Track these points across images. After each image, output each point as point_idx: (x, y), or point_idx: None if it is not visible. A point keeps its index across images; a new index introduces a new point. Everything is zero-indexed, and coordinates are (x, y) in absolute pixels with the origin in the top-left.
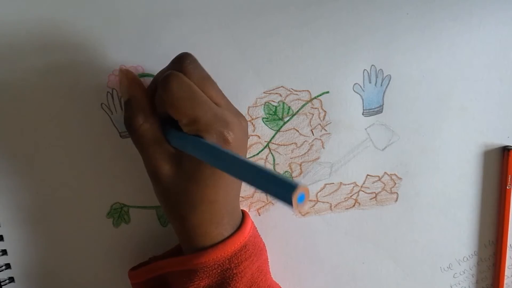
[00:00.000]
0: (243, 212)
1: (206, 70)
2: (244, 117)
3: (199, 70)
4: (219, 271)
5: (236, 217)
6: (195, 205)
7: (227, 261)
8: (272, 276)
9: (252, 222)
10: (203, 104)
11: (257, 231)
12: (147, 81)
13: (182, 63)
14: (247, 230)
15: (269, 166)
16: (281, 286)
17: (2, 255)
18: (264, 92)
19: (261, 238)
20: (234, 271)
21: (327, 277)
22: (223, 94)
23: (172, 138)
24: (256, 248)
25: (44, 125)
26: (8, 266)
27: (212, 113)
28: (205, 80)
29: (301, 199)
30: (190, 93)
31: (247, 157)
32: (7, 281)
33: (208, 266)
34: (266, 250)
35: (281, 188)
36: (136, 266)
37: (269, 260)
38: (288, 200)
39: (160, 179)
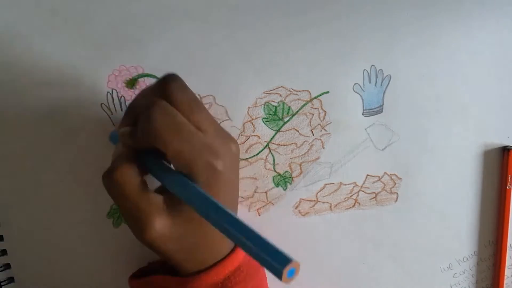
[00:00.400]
0: None
1: (206, 70)
2: (235, 141)
3: (187, 94)
4: None
5: (228, 240)
6: (194, 247)
7: (219, 284)
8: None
9: None
10: (189, 135)
11: None
12: (147, 80)
13: (168, 86)
14: (241, 252)
15: (269, 166)
16: None
17: (2, 255)
18: (264, 92)
19: None
20: None
21: (327, 277)
22: (212, 118)
23: (158, 172)
24: (251, 268)
25: (44, 125)
26: (8, 266)
27: (200, 144)
28: (193, 104)
29: (291, 273)
30: (175, 125)
31: (246, 158)
32: (7, 281)
33: None
34: (263, 268)
35: (273, 260)
36: (136, 273)
37: None
38: (278, 274)
39: (153, 236)
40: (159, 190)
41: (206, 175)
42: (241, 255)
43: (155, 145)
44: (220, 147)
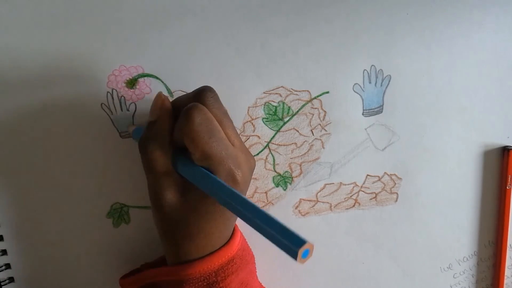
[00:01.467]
0: None
1: (206, 70)
2: (253, 157)
3: (219, 106)
4: (205, 283)
5: (226, 235)
6: (192, 236)
7: (213, 274)
8: (261, 283)
9: (241, 234)
10: (220, 142)
11: (246, 243)
12: (147, 80)
13: (205, 96)
14: (235, 244)
15: (269, 166)
16: None
17: (2, 255)
18: (264, 92)
19: (250, 249)
20: (221, 285)
21: (327, 277)
22: (237, 132)
23: (182, 165)
24: (243, 261)
25: (44, 125)
26: (8, 266)
27: (227, 152)
28: (224, 117)
29: (305, 254)
30: (210, 129)
31: None
32: (7, 281)
33: (194, 278)
34: (253, 262)
35: (289, 241)
36: (127, 274)
37: (269, 260)
38: (293, 255)
39: (163, 206)
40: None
41: (226, 179)
42: (235, 247)
43: (187, 143)
44: (242, 160)
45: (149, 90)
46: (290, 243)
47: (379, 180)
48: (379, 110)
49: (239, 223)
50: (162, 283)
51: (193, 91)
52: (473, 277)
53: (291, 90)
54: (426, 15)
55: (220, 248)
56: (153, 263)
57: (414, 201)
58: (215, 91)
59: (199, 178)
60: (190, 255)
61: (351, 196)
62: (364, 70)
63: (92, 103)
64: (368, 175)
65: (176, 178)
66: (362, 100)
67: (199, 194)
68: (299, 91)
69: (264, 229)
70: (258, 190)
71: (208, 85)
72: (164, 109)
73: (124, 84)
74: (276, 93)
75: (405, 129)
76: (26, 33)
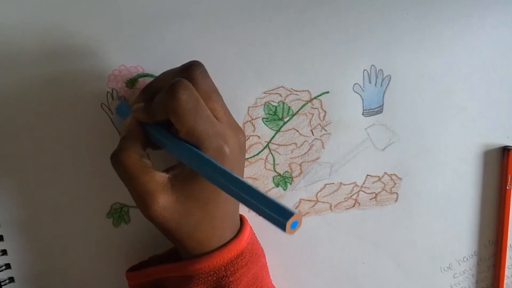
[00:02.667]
0: (242, 218)
1: (206, 69)
2: (243, 132)
3: (208, 81)
4: (215, 278)
5: (235, 224)
6: (197, 224)
7: (223, 268)
8: (272, 280)
9: (251, 228)
10: (206, 119)
11: (255, 237)
12: (147, 80)
13: (192, 72)
14: (244, 237)
15: (269, 166)
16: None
17: (2, 255)
18: (264, 92)
19: (259, 244)
20: (230, 279)
21: (327, 277)
22: (226, 108)
23: (166, 140)
24: (253, 255)
25: (44, 125)
26: (8, 266)
27: (213, 130)
28: (212, 92)
29: (294, 225)
30: (196, 106)
31: (246, 158)
32: (7, 281)
33: (203, 272)
34: (264, 256)
35: (277, 214)
36: (135, 265)
37: (269, 260)
38: (282, 227)
39: (158, 213)
40: (167, 170)
41: (214, 156)
42: (244, 241)
43: (172, 120)
44: (230, 137)
45: None
46: (278, 216)
47: (379, 180)
48: (379, 110)
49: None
50: (170, 278)
51: (180, 66)
52: (473, 277)
53: (291, 90)
54: (426, 15)
55: (229, 242)
56: (161, 255)
57: (414, 201)
58: (203, 65)
59: (184, 154)
60: (198, 250)
61: (351, 196)
62: (364, 70)
63: (92, 103)
64: (368, 175)
65: (159, 177)
66: (362, 100)
67: (190, 181)
68: (299, 91)
69: (251, 203)
70: None
71: None
72: (132, 123)
73: (124, 84)
74: (276, 93)
75: (405, 129)
76: (26, 33)
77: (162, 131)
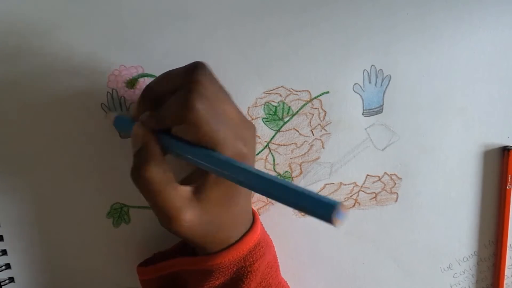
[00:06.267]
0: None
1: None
2: (251, 123)
3: (214, 82)
4: (234, 269)
5: (249, 216)
6: (220, 226)
7: (242, 259)
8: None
9: (259, 217)
10: (223, 124)
11: (263, 227)
12: (147, 80)
13: (198, 75)
14: (258, 227)
15: (269, 166)
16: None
17: (2, 255)
18: (264, 92)
19: (267, 234)
20: (249, 269)
21: (327, 277)
22: (235, 104)
23: (181, 149)
24: (267, 245)
25: (44, 125)
26: (8, 266)
27: (232, 133)
28: (220, 93)
29: (340, 215)
30: (213, 116)
31: None
32: (7, 281)
33: (224, 266)
34: (274, 246)
35: (322, 208)
36: (142, 263)
37: None
38: (329, 220)
39: (183, 227)
40: (185, 181)
41: (234, 157)
42: (259, 230)
43: (190, 130)
44: (246, 134)
45: None
46: (323, 213)
47: (379, 180)
48: (379, 110)
49: None
50: (187, 272)
51: (183, 67)
52: (473, 277)
53: (291, 90)
54: (426, 15)
55: (246, 234)
56: (167, 251)
57: (414, 201)
58: (207, 66)
59: (211, 162)
60: (219, 247)
61: (351, 196)
62: (364, 70)
63: (92, 103)
64: (368, 175)
65: (183, 190)
66: (362, 100)
67: (213, 189)
68: (299, 91)
69: (291, 201)
70: None
71: None
72: (147, 135)
73: (124, 84)
74: (276, 93)
75: (405, 129)
76: (26, 33)
77: (174, 138)
